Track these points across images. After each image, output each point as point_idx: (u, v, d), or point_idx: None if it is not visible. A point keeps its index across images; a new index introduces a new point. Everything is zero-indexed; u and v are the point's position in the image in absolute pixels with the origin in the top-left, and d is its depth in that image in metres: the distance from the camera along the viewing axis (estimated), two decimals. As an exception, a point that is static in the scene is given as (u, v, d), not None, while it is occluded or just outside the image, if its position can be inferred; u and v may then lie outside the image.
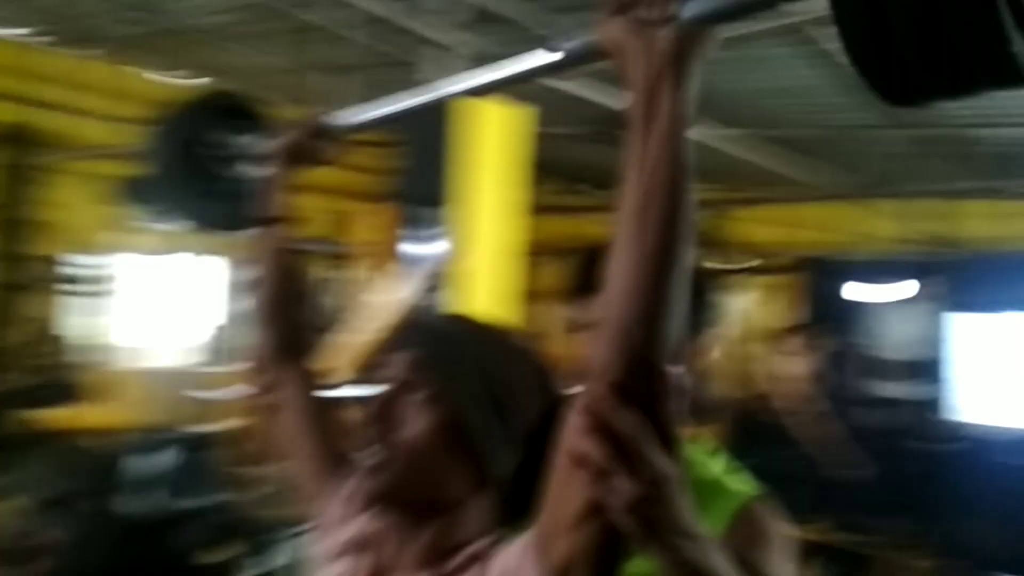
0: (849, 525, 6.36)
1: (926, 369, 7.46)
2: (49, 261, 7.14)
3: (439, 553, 0.91)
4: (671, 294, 0.78)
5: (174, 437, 2.54)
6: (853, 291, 7.86)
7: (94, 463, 2.62)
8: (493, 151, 3.46)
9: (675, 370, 0.77)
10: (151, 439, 2.45)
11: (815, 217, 8.73)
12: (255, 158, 1.35)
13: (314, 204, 9.73)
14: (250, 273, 1.26)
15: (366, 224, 4.12)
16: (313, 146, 1.34)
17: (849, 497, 6.02)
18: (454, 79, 1.18)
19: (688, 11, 0.78)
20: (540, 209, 9.11)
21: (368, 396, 0.94)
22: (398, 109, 1.26)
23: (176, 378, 6.88)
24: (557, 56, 0.95)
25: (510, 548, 0.87)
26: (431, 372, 0.91)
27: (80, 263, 7.65)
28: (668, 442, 0.74)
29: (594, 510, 0.75)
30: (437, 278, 2.94)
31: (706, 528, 1.09)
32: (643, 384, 0.74)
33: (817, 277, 8.31)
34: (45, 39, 7.11)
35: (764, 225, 9.10)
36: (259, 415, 1.20)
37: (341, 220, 9.31)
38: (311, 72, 6.24)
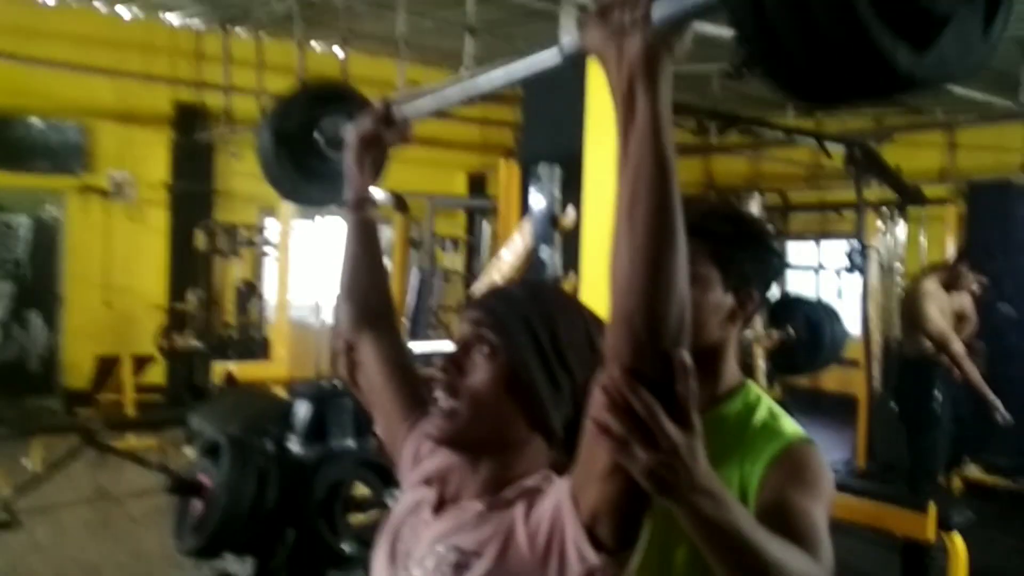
0: (1008, 467, 6.12)
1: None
2: (236, 227, 7.90)
3: (495, 486, 1.03)
4: (667, 282, 0.81)
5: (330, 386, 2.88)
6: (1021, 218, 7.26)
7: (273, 408, 3.03)
8: (606, 102, 3.54)
9: (680, 352, 0.81)
10: (311, 388, 2.82)
11: (977, 139, 8.16)
12: (340, 143, 1.43)
13: (460, 160, 10.14)
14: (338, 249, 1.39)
15: (499, 180, 4.28)
16: (382, 132, 1.37)
17: (1008, 438, 5.79)
18: (471, 81, 1.31)
19: (658, 16, 0.83)
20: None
21: (443, 367, 1.07)
22: (454, 98, 1.36)
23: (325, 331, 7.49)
24: (557, 57, 1.06)
25: (556, 488, 0.96)
26: (493, 331, 1.02)
27: (261, 228, 8.43)
28: (680, 415, 0.80)
29: (617, 469, 0.82)
30: (555, 234, 3.07)
31: (748, 471, 1.22)
32: (651, 366, 0.80)
33: (980, 205, 7.73)
34: (199, 23, 7.78)
35: (923, 150, 8.61)
36: (346, 372, 1.34)
37: (487, 175, 9.68)
38: (443, 34, 6.51)
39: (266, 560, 2.54)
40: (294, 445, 2.63)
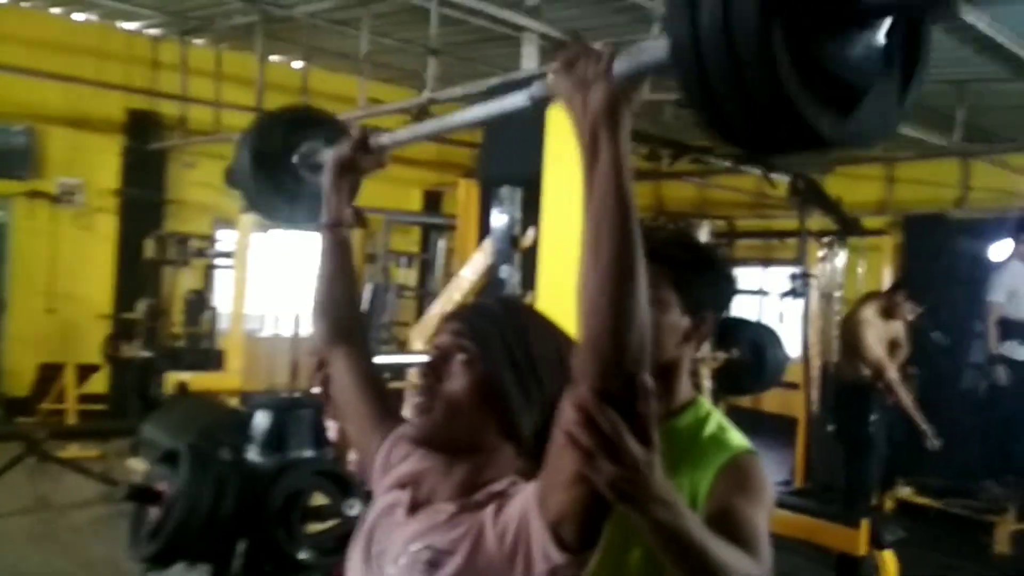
0: (938, 488, 6.37)
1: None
2: (187, 237, 7.83)
3: (467, 488, 1.10)
4: (629, 310, 0.88)
5: (289, 397, 2.92)
6: (955, 250, 7.61)
7: (229, 418, 3.06)
8: (566, 127, 3.66)
9: (643, 375, 0.87)
10: (270, 399, 2.86)
11: (914, 174, 8.52)
12: (317, 166, 1.49)
13: (417, 176, 10.18)
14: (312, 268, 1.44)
15: (457, 198, 4.37)
16: (359, 159, 1.43)
17: (938, 460, 6.04)
18: (446, 118, 1.39)
19: (618, 71, 0.93)
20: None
21: (422, 372, 1.17)
22: (427, 131, 1.43)
23: (292, 344, 7.48)
24: (526, 101, 1.16)
25: (523, 492, 1.03)
26: (472, 341, 1.11)
27: (213, 239, 8.37)
28: (642, 432, 0.86)
29: (582, 478, 0.89)
30: (516, 254, 3.16)
31: (698, 479, 1.32)
32: (616, 386, 0.86)
33: (916, 236, 8.08)
34: (158, 31, 7.74)
35: (862, 183, 8.96)
36: (321, 386, 1.41)
37: (443, 193, 9.77)
38: (405, 54, 6.61)
39: (223, 568, 2.57)
40: (252, 454, 2.67)
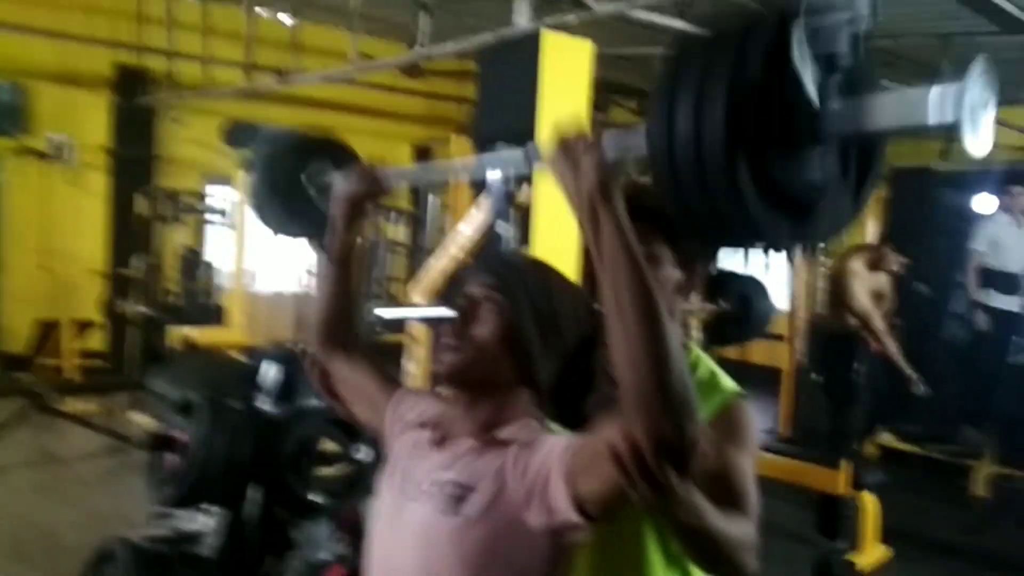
0: (918, 434, 6.60)
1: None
2: (179, 194, 7.86)
3: (486, 426, 1.20)
4: (664, 355, 0.95)
5: (296, 348, 3.03)
6: (940, 202, 7.74)
7: (237, 370, 3.16)
8: (559, 84, 3.71)
9: (686, 421, 0.95)
10: (274, 351, 2.96)
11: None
12: (324, 187, 1.56)
13: (406, 132, 10.19)
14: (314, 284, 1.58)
15: (448, 154, 4.41)
16: (367, 195, 1.50)
17: (919, 408, 6.25)
18: (450, 163, 1.47)
19: (609, 154, 1.04)
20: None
21: (443, 313, 1.33)
22: (430, 176, 1.52)
23: (294, 299, 7.57)
24: (523, 161, 1.25)
25: (549, 448, 1.12)
26: (500, 292, 1.21)
27: (208, 195, 8.40)
28: (683, 468, 0.96)
29: (618, 485, 0.99)
30: (513, 208, 3.24)
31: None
32: (667, 432, 0.95)
33: (902, 189, 8.19)
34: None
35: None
36: (323, 390, 1.49)
37: (432, 148, 9.79)
38: (396, 7, 6.59)
39: (238, 510, 2.70)
40: (264, 404, 2.78)
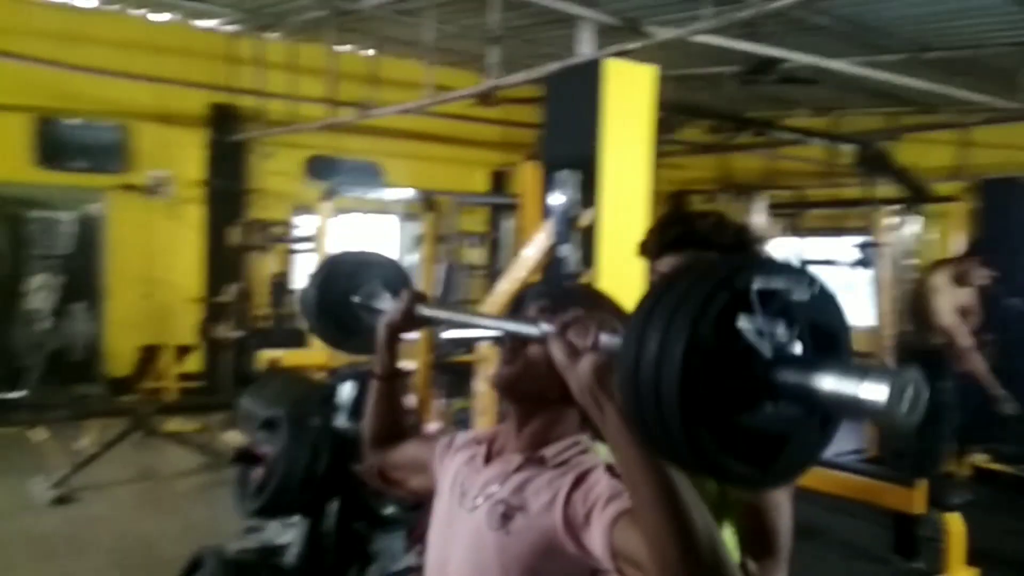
0: (1012, 454, 6.33)
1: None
2: (268, 224, 8.26)
3: (535, 444, 1.29)
4: (687, 529, 0.98)
5: (366, 369, 3.19)
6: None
7: (317, 390, 3.35)
8: (622, 109, 3.80)
9: (721, 566, 0.98)
10: (350, 371, 3.13)
11: (989, 138, 8.33)
12: (374, 310, 1.67)
13: (483, 157, 10.42)
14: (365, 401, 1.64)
15: (519, 179, 4.55)
16: (407, 324, 1.57)
17: (1014, 427, 6.01)
18: (477, 316, 1.56)
19: (605, 343, 1.06)
20: (691, 149, 9.30)
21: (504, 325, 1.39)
22: (462, 320, 1.62)
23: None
24: (537, 333, 1.24)
25: (597, 493, 1.17)
26: (551, 313, 1.27)
27: (292, 224, 8.79)
28: None
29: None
30: (575, 232, 3.35)
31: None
32: None
33: (992, 201, 7.93)
34: (234, 27, 8.11)
35: (936, 148, 8.81)
36: (379, 484, 1.63)
37: (508, 173, 9.98)
38: (468, 39, 6.81)
39: (317, 521, 2.86)
40: (341, 421, 2.95)
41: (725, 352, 0.96)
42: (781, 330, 1.00)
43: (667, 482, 0.98)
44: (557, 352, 1.10)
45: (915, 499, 3.30)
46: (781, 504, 1.40)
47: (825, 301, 1.05)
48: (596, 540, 1.13)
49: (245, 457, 2.81)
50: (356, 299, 1.75)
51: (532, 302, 1.36)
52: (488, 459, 1.36)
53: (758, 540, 1.33)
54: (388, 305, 1.62)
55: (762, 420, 1.00)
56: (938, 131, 8.59)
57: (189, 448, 6.21)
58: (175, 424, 6.74)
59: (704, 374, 0.95)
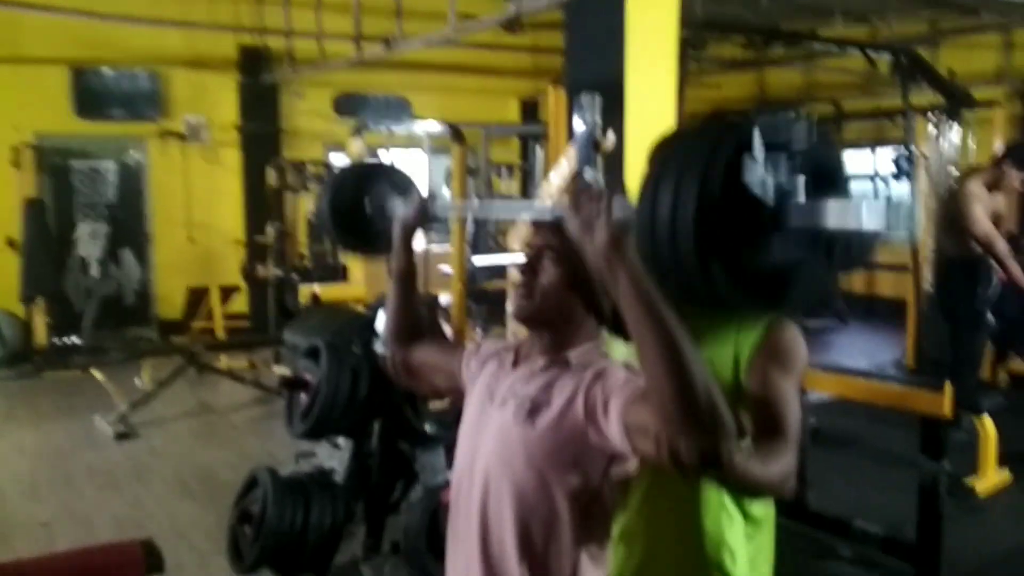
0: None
1: None
2: (303, 164, 8.36)
3: (557, 348, 1.38)
4: (689, 382, 1.06)
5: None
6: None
7: (356, 319, 3.48)
8: (645, 29, 3.77)
9: (708, 434, 1.06)
10: (383, 301, 3.24)
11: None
12: (387, 211, 1.76)
13: (513, 86, 10.31)
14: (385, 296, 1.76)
15: (547, 105, 4.55)
16: (418, 220, 1.69)
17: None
18: (491, 205, 1.60)
19: (618, 212, 1.12)
20: (725, 67, 9.11)
21: (520, 265, 1.47)
22: (475, 211, 1.66)
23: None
24: (551, 214, 1.36)
25: (613, 380, 1.27)
26: (561, 239, 1.33)
27: (327, 163, 8.89)
28: (713, 466, 1.08)
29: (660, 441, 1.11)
30: (598, 157, 3.37)
31: (741, 341, 1.56)
32: (697, 447, 1.07)
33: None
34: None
35: (978, 52, 8.54)
36: (401, 376, 1.71)
37: (539, 101, 9.90)
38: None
39: (361, 441, 3.03)
40: (379, 346, 3.09)
41: (734, 199, 1.04)
42: (784, 175, 1.08)
43: (671, 336, 1.08)
44: (573, 226, 1.16)
45: (941, 403, 3.35)
46: (790, 399, 1.48)
47: (823, 146, 1.12)
48: (613, 421, 1.23)
49: (292, 384, 2.97)
50: (367, 207, 1.83)
51: (537, 232, 1.41)
52: (516, 364, 1.46)
53: (768, 426, 1.42)
54: (399, 207, 1.71)
55: (769, 254, 1.09)
56: (979, 34, 8.31)
57: (240, 383, 6.46)
58: (224, 361, 7.00)
59: (716, 217, 1.04)
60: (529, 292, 1.39)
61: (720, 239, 1.03)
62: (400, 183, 1.90)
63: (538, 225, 1.44)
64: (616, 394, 1.24)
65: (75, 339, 7.82)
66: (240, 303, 8.70)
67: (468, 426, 1.48)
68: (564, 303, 1.39)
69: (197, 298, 8.23)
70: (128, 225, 8.60)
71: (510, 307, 1.48)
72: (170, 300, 8.67)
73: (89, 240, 7.91)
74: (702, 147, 1.05)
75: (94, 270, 7.93)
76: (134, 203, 8.72)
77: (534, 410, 1.35)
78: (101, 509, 4.33)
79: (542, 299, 1.38)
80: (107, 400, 5.95)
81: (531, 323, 1.43)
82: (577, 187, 1.19)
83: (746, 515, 1.57)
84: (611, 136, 3.41)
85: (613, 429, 1.23)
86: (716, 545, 1.55)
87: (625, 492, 1.38)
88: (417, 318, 1.73)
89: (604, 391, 1.27)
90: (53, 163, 8.32)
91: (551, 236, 1.38)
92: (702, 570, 1.55)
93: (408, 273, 1.71)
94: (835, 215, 1.02)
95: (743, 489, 1.42)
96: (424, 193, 1.65)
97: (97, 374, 6.20)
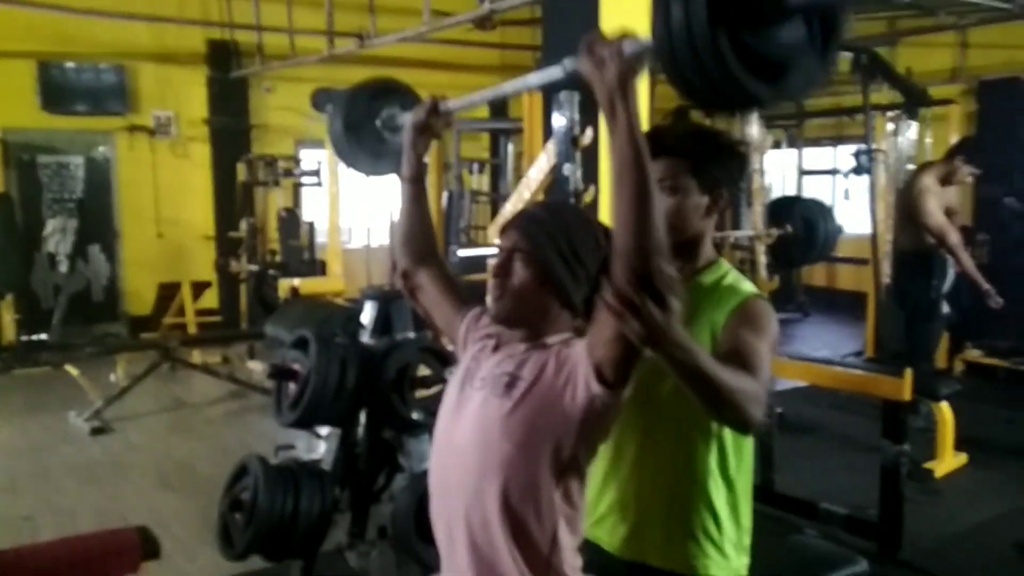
0: (1005, 349, 6.57)
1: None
2: (274, 159, 8.37)
3: (533, 337, 1.47)
4: (647, 226, 1.19)
5: (391, 290, 3.38)
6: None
7: (339, 312, 3.56)
8: (621, 26, 3.90)
9: (663, 265, 1.19)
10: (373, 292, 3.32)
11: (988, 38, 8.33)
12: (396, 128, 1.81)
13: (482, 82, 10.42)
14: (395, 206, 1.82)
15: (522, 103, 4.65)
16: (432, 123, 1.75)
17: (1008, 323, 6.22)
18: (499, 88, 1.71)
19: (627, 50, 1.20)
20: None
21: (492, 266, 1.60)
22: (484, 98, 1.77)
23: (382, 252, 8.00)
24: (561, 73, 1.44)
25: (578, 344, 1.39)
26: (526, 242, 1.43)
27: (297, 159, 8.90)
28: (661, 302, 1.18)
29: (620, 334, 1.24)
30: (576, 152, 3.48)
31: (716, 318, 1.67)
32: (645, 273, 1.18)
33: (991, 102, 7.99)
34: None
35: (936, 51, 8.81)
36: (407, 292, 1.76)
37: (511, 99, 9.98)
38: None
39: (348, 429, 3.11)
40: (366, 338, 3.17)
41: None
42: None
43: (645, 180, 1.19)
44: (585, 66, 1.24)
45: (901, 388, 3.52)
46: (762, 351, 1.54)
47: None
48: (583, 368, 1.34)
49: (281, 373, 3.03)
50: (378, 124, 1.89)
51: (506, 235, 1.51)
52: (496, 349, 1.54)
53: (736, 366, 1.46)
54: (409, 116, 1.76)
55: (773, 39, 1.23)
56: (936, 34, 8.57)
57: (214, 378, 6.48)
58: (197, 357, 7.01)
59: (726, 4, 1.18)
60: (502, 294, 1.48)
61: (728, 17, 1.21)
62: (408, 102, 1.97)
63: (505, 228, 1.53)
64: (583, 348, 1.36)
65: (43, 336, 7.76)
66: (210, 298, 8.68)
67: (447, 408, 1.56)
68: (537, 301, 1.47)
69: (168, 294, 8.20)
70: (96, 221, 8.54)
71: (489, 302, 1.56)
72: (139, 296, 8.63)
73: (58, 236, 7.85)
74: None
75: (63, 266, 7.88)
76: (102, 198, 8.65)
77: (511, 384, 1.44)
78: (82, 502, 4.35)
79: (515, 300, 1.47)
80: (80, 396, 5.94)
81: (509, 323, 1.51)
82: (591, 34, 1.25)
83: (731, 485, 1.68)
84: (589, 132, 3.54)
85: (583, 373, 1.34)
86: (703, 509, 1.65)
87: (596, 447, 1.46)
88: (427, 228, 1.79)
89: (576, 353, 1.39)
90: (19, 158, 8.24)
91: (519, 238, 1.48)
92: (690, 535, 1.65)
93: (418, 176, 1.77)
94: None
95: (706, 397, 1.36)
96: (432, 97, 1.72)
97: (72, 370, 6.17)
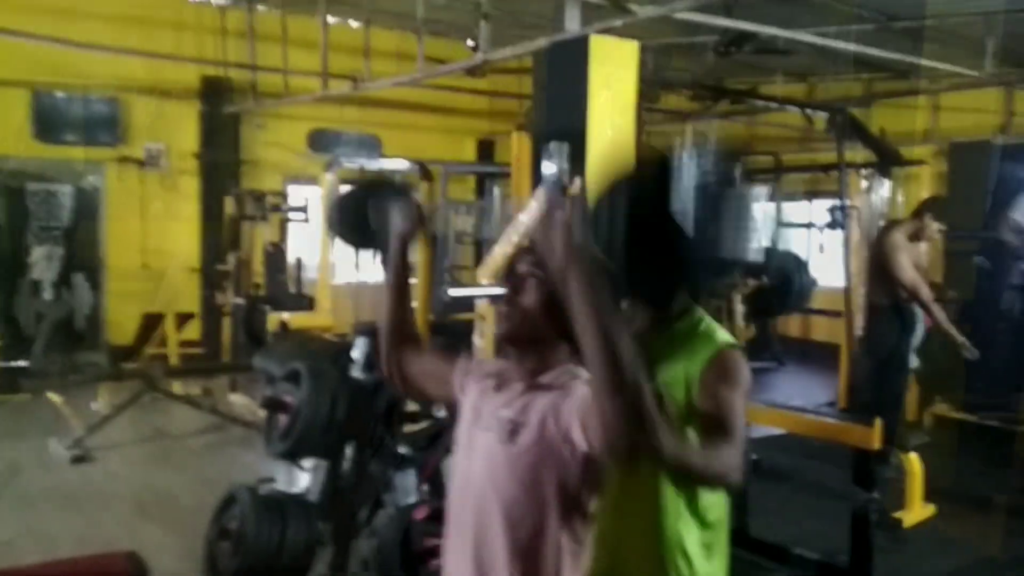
0: (974, 404, 6.74)
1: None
2: (262, 195, 8.47)
3: (533, 374, 1.56)
4: (618, 380, 1.28)
5: (377, 327, 3.48)
6: (999, 176, 7.79)
7: (329, 347, 3.64)
8: (607, 82, 4.06)
9: (640, 398, 1.28)
10: (364, 328, 3.41)
11: (959, 103, 8.66)
12: (390, 224, 1.90)
13: (470, 126, 10.66)
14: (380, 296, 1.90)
15: (511, 149, 4.80)
16: (413, 229, 1.89)
17: (976, 378, 6.39)
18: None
19: (576, 231, 1.37)
20: (674, 117, 9.59)
21: (504, 291, 1.65)
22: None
23: (370, 289, 8.04)
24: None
25: (576, 396, 1.46)
26: (541, 269, 1.51)
27: (285, 194, 9.01)
28: (647, 422, 1.29)
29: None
30: (564, 199, 3.63)
31: (692, 366, 1.79)
32: (628, 415, 1.28)
33: (961, 163, 8.28)
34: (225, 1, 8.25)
35: (909, 113, 9.13)
36: (397, 380, 1.86)
37: (495, 142, 10.22)
38: (458, 11, 7.01)
39: (337, 462, 3.19)
40: (356, 372, 3.26)
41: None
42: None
43: (611, 342, 1.29)
44: (541, 246, 1.39)
45: (872, 437, 3.64)
46: (736, 407, 1.68)
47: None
48: (575, 427, 1.44)
49: (273, 404, 3.12)
50: (371, 212, 2.06)
51: (521, 260, 1.62)
52: (498, 388, 1.64)
53: (714, 429, 1.62)
54: (396, 218, 1.89)
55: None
56: (910, 97, 8.90)
57: (196, 409, 6.50)
58: (179, 388, 7.02)
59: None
60: (511, 313, 1.59)
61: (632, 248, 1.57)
62: (399, 195, 2.14)
63: (524, 255, 1.64)
64: (578, 404, 1.46)
65: (24, 362, 7.74)
66: (192, 330, 8.71)
67: (462, 448, 1.66)
68: (541, 324, 1.58)
69: (151, 324, 8.23)
70: (82, 250, 8.57)
71: (478, 335, 1.67)
72: (121, 325, 8.64)
73: (43, 263, 7.88)
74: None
75: (47, 294, 7.89)
76: (89, 228, 8.70)
77: (514, 431, 1.54)
78: (63, 529, 4.35)
79: (523, 319, 1.58)
80: (59, 423, 5.94)
81: (514, 341, 1.61)
82: (545, 221, 1.41)
83: (703, 523, 1.79)
84: (577, 181, 3.70)
85: (576, 433, 1.44)
86: (675, 549, 1.75)
87: (600, 490, 1.56)
88: (410, 325, 1.91)
89: (569, 404, 1.48)
90: (8, 185, 8.29)
91: (535, 266, 1.58)
92: (662, 570, 1.76)
93: (402, 283, 1.89)
94: None
95: (689, 477, 1.59)
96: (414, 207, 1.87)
97: (55, 397, 6.18)
